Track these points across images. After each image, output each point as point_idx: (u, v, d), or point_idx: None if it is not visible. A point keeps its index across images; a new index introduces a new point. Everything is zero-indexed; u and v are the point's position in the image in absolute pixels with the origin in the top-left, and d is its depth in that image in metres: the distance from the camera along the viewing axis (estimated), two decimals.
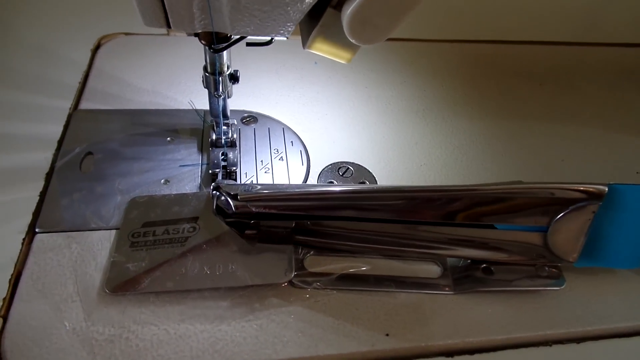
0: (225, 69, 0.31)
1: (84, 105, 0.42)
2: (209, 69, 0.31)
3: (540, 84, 0.53)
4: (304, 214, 0.32)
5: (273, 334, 0.29)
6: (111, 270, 0.30)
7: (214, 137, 0.38)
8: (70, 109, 0.41)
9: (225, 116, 0.38)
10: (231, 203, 0.32)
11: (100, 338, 0.27)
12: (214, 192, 0.33)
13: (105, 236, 0.32)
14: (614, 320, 0.32)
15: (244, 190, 0.32)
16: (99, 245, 0.32)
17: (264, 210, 0.31)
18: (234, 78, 0.32)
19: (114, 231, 0.33)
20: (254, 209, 0.32)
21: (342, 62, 0.29)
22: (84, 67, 0.46)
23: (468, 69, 0.53)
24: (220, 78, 0.31)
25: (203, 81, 0.34)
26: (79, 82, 0.44)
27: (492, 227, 0.32)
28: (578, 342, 0.31)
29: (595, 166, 0.43)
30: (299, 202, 0.32)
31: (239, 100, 0.44)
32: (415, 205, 0.31)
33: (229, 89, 0.33)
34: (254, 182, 0.37)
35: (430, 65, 0.53)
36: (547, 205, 0.30)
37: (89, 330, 0.28)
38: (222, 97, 0.33)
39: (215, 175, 0.37)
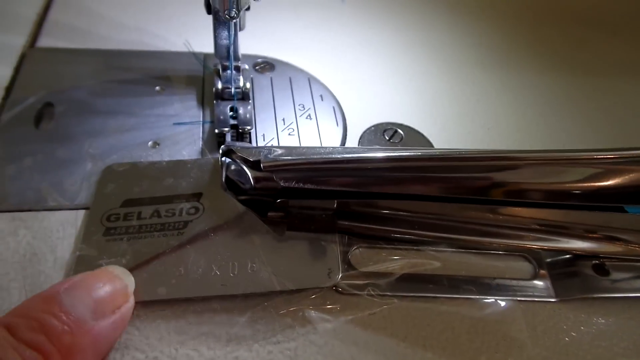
0: None
1: (43, 42, 0.31)
2: None
3: (614, 33, 0.43)
4: (352, 190, 0.22)
5: None
6: (76, 269, 0.21)
7: (219, 85, 0.29)
8: (24, 46, 0.31)
9: (235, 58, 0.28)
10: (249, 174, 0.23)
11: None
12: (224, 158, 0.23)
13: (68, 219, 0.23)
14: None
15: (267, 157, 0.22)
16: (60, 231, 0.22)
17: (297, 186, 0.22)
18: None
19: (81, 212, 0.23)
20: (281, 183, 0.22)
21: None
22: None
23: (527, 13, 0.43)
24: None
25: (208, 1, 0.24)
26: (37, 14, 0.33)
27: (609, 210, 0.24)
28: None
29: None
30: (346, 174, 0.22)
31: (249, 42, 0.34)
32: (508, 176, 0.22)
33: (242, 13, 0.23)
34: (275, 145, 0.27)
35: (485, 5, 0.43)
36: None
37: None
38: (235, 19, 0.23)
39: (222, 136, 0.27)
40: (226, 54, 0.28)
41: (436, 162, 0.23)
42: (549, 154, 0.23)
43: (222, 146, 0.24)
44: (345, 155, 0.22)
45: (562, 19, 0.43)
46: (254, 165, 0.22)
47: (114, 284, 0.19)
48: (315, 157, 0.22)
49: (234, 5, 0.22)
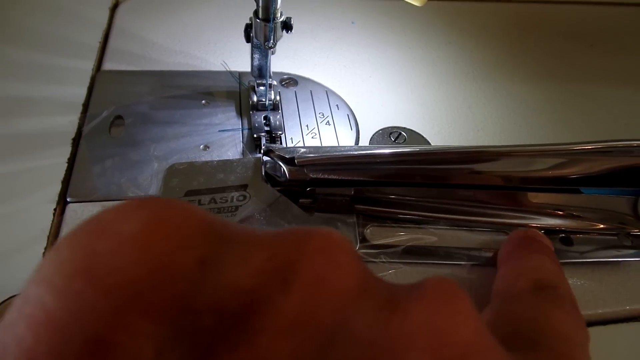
0: (279, 15, 0.28)
1: (108, 66, 0.38)
2: (260, 15, 0.27)
3: (591, 45, 0.49)
4: (366, 180, 0.29)
5: None
6: None
7: (255, 99, 0.35)
8: (92, 70, 0.37)
9: (269, 77, 0.34)
10: (284, 169, 0.29)
11: None
12: (265, 157, 0.30)
13: None
14: None
15: (299, 154, 0.29)
16: None
17: (323, 177, 0.28)
18: (287, 26, 0.28)
19: None
20: (311, 175, 0.28)
21: (416, 4, 0.26)
22: (103, 26, 0.42)
23: (513, 30, 0.49)
24: (273, 25, 0.27)
25: (250, 32, 0.30)
26: (99, 42, 0.40)
27: (569, 192, 0.30)
28: None
29: None
30: (361, 167, 0.28)
31: (275, 61, 0.40)
32: (489, 166, 0.28)
33: (278, 40, 0.30)
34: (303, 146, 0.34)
35: (474, 26, 0.49)
36: None
37: None
38: (272, 49, 0.29)
39: (259, 139, 0.33)
40: (259, 73, 0.34)
41: (432, 155, 0.29)
42: (522, 148, 0.29)
43: (263, 147, 0.30)
44: (360, 152, 0.28)
45: (544, 34, 0.49)
46: (289, 161, 0.29)
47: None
48: (337, 153, 0.28)
49: (272, 38, 0.28)
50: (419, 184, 0.29)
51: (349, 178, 0.28)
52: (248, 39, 0.32)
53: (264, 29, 0.28)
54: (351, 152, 0.29)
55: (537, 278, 0.23)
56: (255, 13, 0.28)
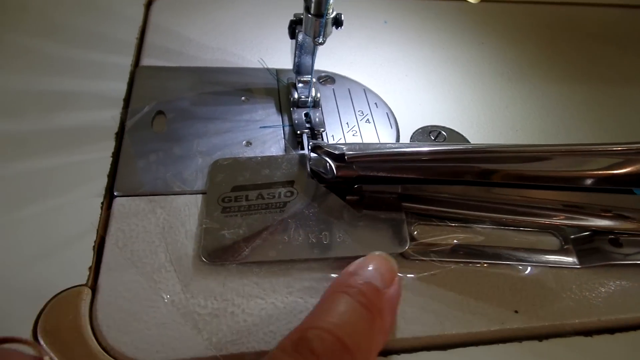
0: (331, 10, 0.27)
1: (146, 61, 0.38)
2: (312, 10, 0.27)
3: (624, 47, 0.49)
4: (417, 178, 0.28)
5: None
6: (205, 238, 0.27)
7: (296, 96, 0.35)
8: (131, 65, 0.37)
9: (312, 73, 0.34)
10: (332, 165, 0.29)
11: (203, 312, 0.24)
12: (313, 153, 0.30)
13: (191, 201, 0.29)
14: None
15: (349, 151, 0.28)
16: (186, 210, 0.28)
17: (372, 174, 0.28)
18: (338, 22, 0.28)
19: (199, 196, 0.29)
20: (360, 172, 0.28)
21: (472, 0, 0.25)
22: (139, 23, 0.42)
23: (545, 31, 0.49)
24: (324, 21, 0.27)
25: (295, 28, 0.30)
26: (136, 38, 0.40)
27: (622, 192, 0.29)
28: None
29: None
30: (409, 165, 0.28)
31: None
32: (543, 166, 0.28)
33: (328, 37, 0.29)
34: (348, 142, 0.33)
35: (506, 27, 0.49)
36: None
37: (189, 303, 0.25)
38: (322, 45, 0.29)
39: (300, 136, 0.33)
40: (301, 70, 0.34)
41: (485, 154, 0.28)
42: (577, 147, 0.28)
43: (311, 143, 0.30)
44: (412, 149, 0.28)
45: (576, 35, 0.49)
46: (337, 158, 0.28)
47: (387, 263, 0.23)
48: (387, 150, 0.28)
49: (323, 34, 0.28)
50: (469, 182, 0.29)
51: (399, 176, 0.28)
52: (293, 35, 0.32)
53: (315, 25, 0.28)
54: (402, 149, 0.28)
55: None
56: (307, 8, 0.28)
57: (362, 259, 0.24)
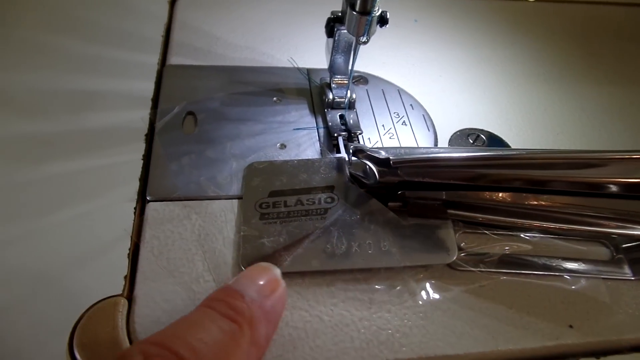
0: (377, 8, 0.26)
1: (174, 60, 0.37)
2: (358, 7, 0.26)
3: None
4: (463, 184, 0.27)
5: (442, 325, 0.24)
6: (244, 246, 0.25)
7: (330, 96, 0.33)
8: (158, 64, 0.36)
9: (350, 73, 0.33)
10: (375, 170, 0.27)
11: None
12: (353, 157, 0.28)
13: (227, 206, 0.28)
14: None
15: (394, 155, 0.27)
16: (222, 216, 0.27)
17: (417, 179, 0.27)
18: (383, 20, 0.27)
19: (235, 201, 0.28)
20: (405, 177, 0.27)
21: None
22: (164, 20, 0.40)
23: (577, 31, 0.48)
24: (371, 19, 0.26)
25: (333, 26, 0.29)
26: (162, 36, 0.39)
27: None
28: None
29: None
30: (455, 170, 0.27)
31: None
32: (597, 172, 0.26)
33: (372, 35, 0.28)
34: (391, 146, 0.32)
35: (538, 26, 0.47)
36: None
37: None
38: (366, 43, 0.28)
39: (336, 138, 0.32)
40: (337, 70, 0.33)
41: (536, 160, 0.27)
42: (621, 154, 0.27)
43: (352, 147, 0.29)
44: (460, 155, 0.27)
45: (609, 36, 0.47)
46: (381, 162, 0.27)
47: (267, 273, 0.23)
48: (435, 155, 0.27)
49: (367, 32, 0.27)
50: (519, 189, 0.27)
51: (446, 181, 0.27)
52: (331, 33, 0.30)
53: (360, 23, 0.26)
54: (448, 154, 0.27)
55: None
56: (352, 6, 0.26)
57: (243, 272, 0.23)
